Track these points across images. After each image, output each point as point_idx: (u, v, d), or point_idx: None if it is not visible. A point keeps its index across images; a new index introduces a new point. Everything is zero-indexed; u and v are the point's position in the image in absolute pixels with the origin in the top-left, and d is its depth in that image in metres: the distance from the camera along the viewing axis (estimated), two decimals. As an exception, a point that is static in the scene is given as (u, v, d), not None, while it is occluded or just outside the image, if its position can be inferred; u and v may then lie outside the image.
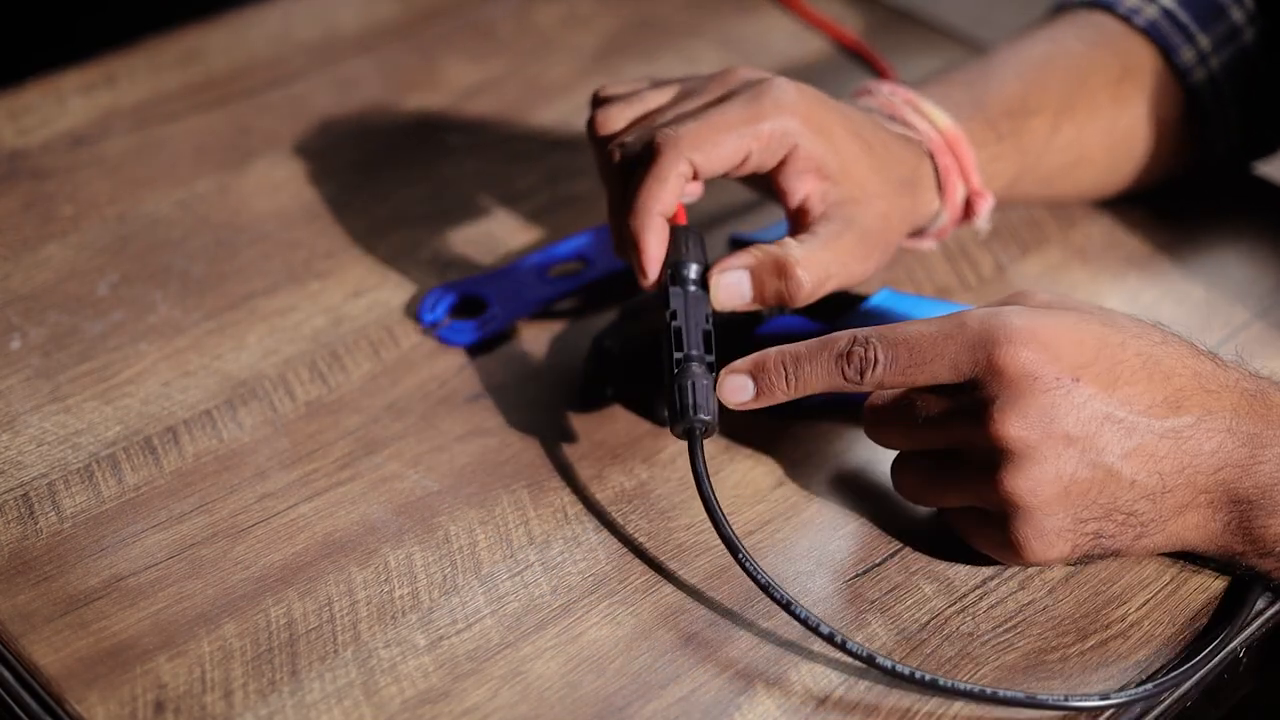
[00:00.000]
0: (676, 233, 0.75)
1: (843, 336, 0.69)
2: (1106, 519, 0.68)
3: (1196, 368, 0.68)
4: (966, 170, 0.82)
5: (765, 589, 0.68)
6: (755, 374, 0.70)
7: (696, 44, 1.08)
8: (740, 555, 0.68)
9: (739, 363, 0.71)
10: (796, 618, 0.67)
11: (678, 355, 0.72)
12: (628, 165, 0.75)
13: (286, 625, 0.69)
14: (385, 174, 0.96)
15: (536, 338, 0.84)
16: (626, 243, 0.75)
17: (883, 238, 0.78)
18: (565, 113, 1.01)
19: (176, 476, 0.76)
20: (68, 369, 0.81)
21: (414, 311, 0.86)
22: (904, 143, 0.80)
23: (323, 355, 0.83)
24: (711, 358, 0.72)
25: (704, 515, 0.74)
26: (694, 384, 0.71)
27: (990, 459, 0.67)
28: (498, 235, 0.92)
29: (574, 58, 1.07)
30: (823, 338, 0.70)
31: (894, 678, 0.67)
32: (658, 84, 0.80)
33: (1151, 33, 0.89)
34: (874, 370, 0.68)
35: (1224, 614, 0.72)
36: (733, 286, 0.74)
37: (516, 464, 0.77)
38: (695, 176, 0.75)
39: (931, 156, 0.81)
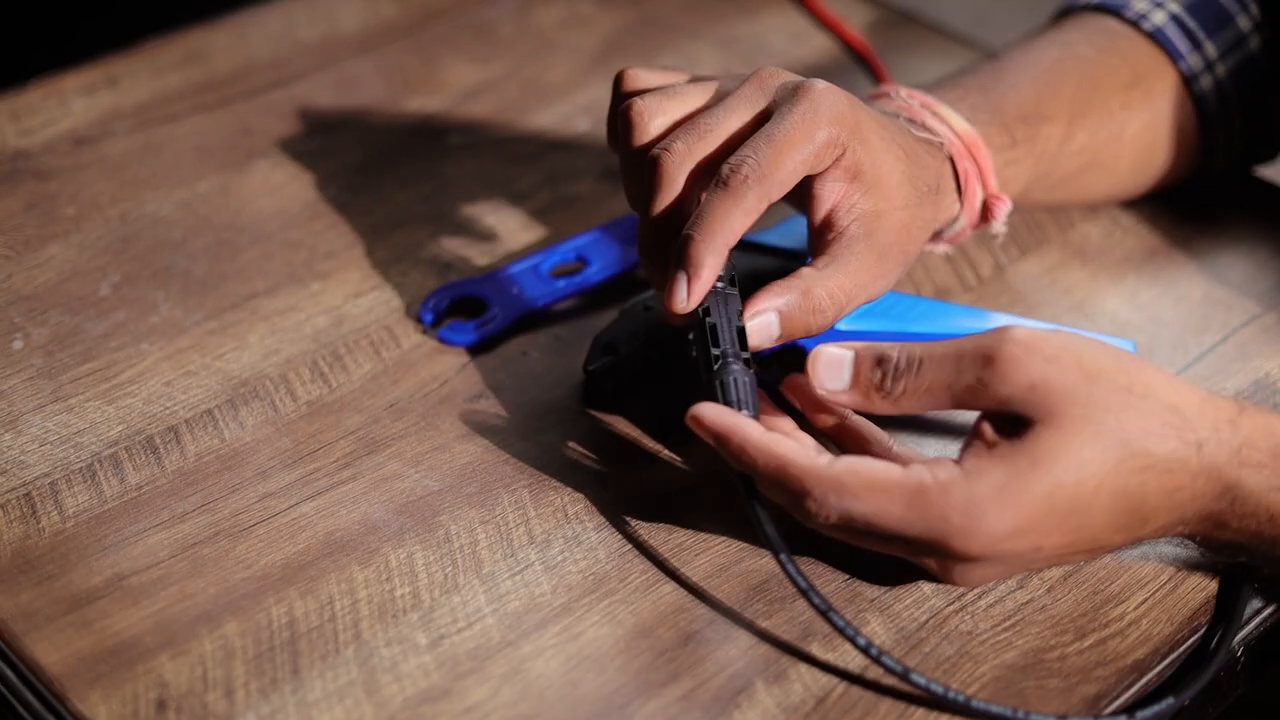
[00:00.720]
0: None
1: (798, 481, 0.66)
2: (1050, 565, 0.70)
3: (1173, 484, 0.66)
4: (985, 174, 0.81)
5: (805, 594, 0.68)
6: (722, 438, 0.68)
7: (696, 44, 1.08)
8: (781, 556, 0.68)
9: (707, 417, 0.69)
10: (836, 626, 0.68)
11: (715, 352, 0.71)
12: (693, 177, 0.73)
13: (288, 624, 0.69)
14: (385, 174, 0.96)
15: (536, 338, 0.85)
16: (681, 260, 0.71)
17: (902, 251, 0.77)
18: (565, 113, 1.02)
19: (178, 476, 0.76)
20: (70, 369, 0.81)
21: (414, 311, 0.86)
22: (929, 148, 0.80)
23: (324, 355, 0.83)
24: (747, 354, 0.72)
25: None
26: (735, 380, 0.70)
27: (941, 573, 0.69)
28: (498, 235, 0.92)
29: (574, 59, 1.07)
30: (782, 473, 0.66)
31: (928, 694, 0.67)
32: (693, 80, 0.78)
33: (1159, 38, 0.89)
34: (827, 522, 0.67)
35: (1222, 613, 0.72)
36: (763, 329, 0.73)
37: (516, 464, 0.77)
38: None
39: (951, 161, 0.81)
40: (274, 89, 1.02)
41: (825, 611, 0.67)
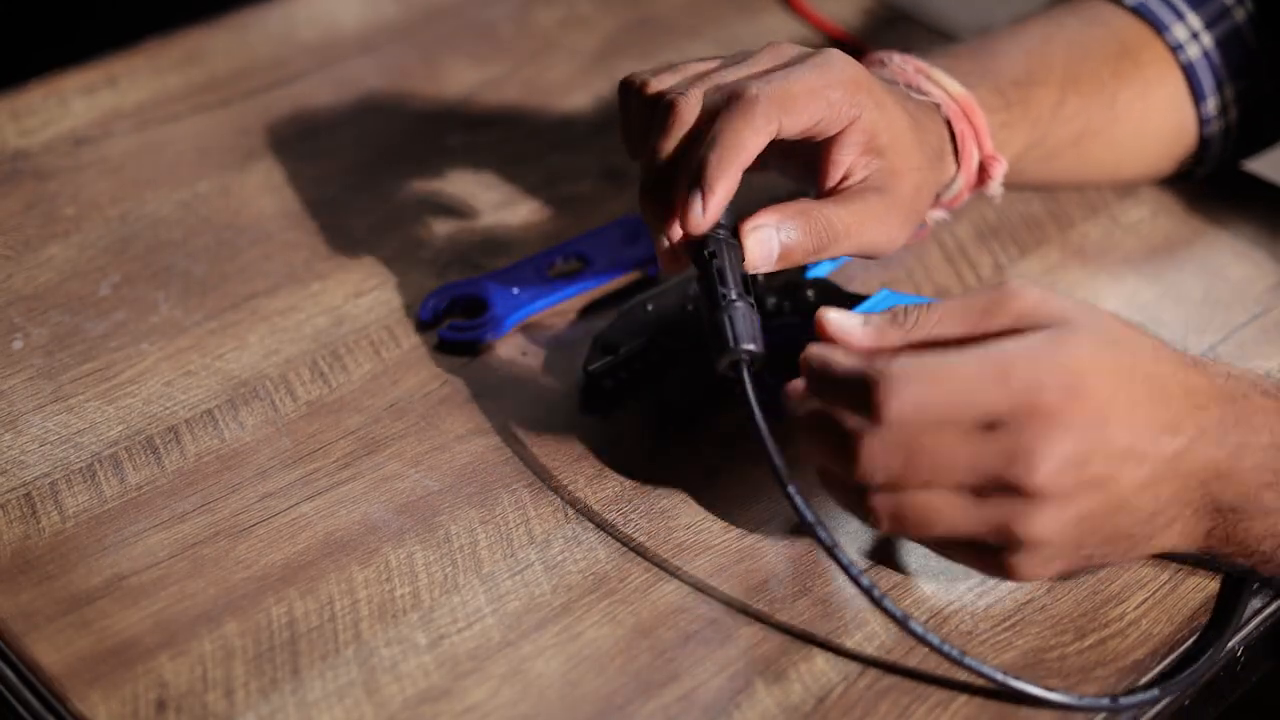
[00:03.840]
0: None
1: (828, 373, 0.65)
2: (1104, 544, 0.66)
3: (1186, 383, 0.66)
4: (980, 135, 0.83)
5: (811, 528, 0.66)
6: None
7: (696, 45, 1.08)
8: (789, 489, 0.67)
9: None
10: (843, 567, 0.67)
11: (722, 291, 0.71)
12: (705, 115, 0.73)
13: (288, 624, 0.70)
14: (385, 174, 0.96)
15: (536, 338, 0.85)
16: (698, 179, 0.72)
17: (910, 211, 0.77)
18: (565, 113, 1.02)
19: (178, 476, 0.76)
20: (70, 369, 0.81)
21: (414, 311, 0.86)
22: (929, 111, 0.81)
23: (324, 355, 0.83)
24: (751, 298, 0.71)
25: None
26: (737, 316, 0.70)
27: (1011, 501, 0.64)
28: (498, 235, 0.92)
29: (574, 58, 1.07)
30: (794, 386, 0.66)
31: (921, 642, 0.67)
32: (701, 59, 0.78)
33: (1141, 11, 0.91)
34: (887, 463, 0.64)
35: (1221, 614, 0.72)
36: (764, 245, 0.73)
37: (516, 464, 0.77)
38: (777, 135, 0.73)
39: (948, 123, 0.82)
40: (274, 89, 1.02)
41: (831, 548, 0.66)
